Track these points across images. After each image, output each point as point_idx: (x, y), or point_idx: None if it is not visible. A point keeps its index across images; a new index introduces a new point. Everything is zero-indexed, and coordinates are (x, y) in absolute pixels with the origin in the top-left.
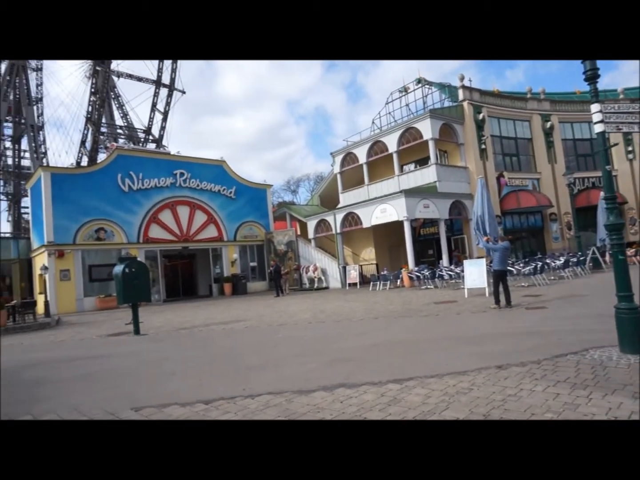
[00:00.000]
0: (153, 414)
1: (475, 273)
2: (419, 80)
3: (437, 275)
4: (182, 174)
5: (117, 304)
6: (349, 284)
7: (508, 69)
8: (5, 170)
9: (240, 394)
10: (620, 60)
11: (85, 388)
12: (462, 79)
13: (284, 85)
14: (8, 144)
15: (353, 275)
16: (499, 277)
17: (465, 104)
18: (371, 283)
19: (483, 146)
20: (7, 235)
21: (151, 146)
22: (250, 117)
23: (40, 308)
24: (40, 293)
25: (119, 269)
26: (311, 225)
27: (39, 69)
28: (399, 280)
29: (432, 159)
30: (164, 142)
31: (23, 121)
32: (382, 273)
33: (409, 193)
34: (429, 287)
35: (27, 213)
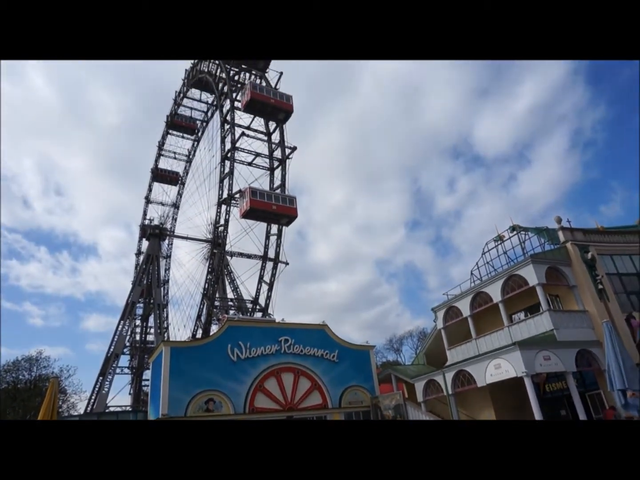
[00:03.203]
0: None
1: None
2: (513, 228)
3: None
4: (286, 341)
5: None
6: None
7: (602, 204)
8: (133, 346)
9: None
10: None
11: None
12: (559, 221)
13: (370, 247)
14: (138, 321)
15: None
16: None
17: (568, 245)
18: None
19: (600, 286)
20: (128, 408)
21: (258, 315)
22: (342, 280)
23: None
24: None
25: None
26: (419, 386)
27: (168, 257)
28: None
29: (544, 306)
30: (269, 311)
31: (152, 301)
32: None
33: (524, 345)
34: None
35: (147, 386)
